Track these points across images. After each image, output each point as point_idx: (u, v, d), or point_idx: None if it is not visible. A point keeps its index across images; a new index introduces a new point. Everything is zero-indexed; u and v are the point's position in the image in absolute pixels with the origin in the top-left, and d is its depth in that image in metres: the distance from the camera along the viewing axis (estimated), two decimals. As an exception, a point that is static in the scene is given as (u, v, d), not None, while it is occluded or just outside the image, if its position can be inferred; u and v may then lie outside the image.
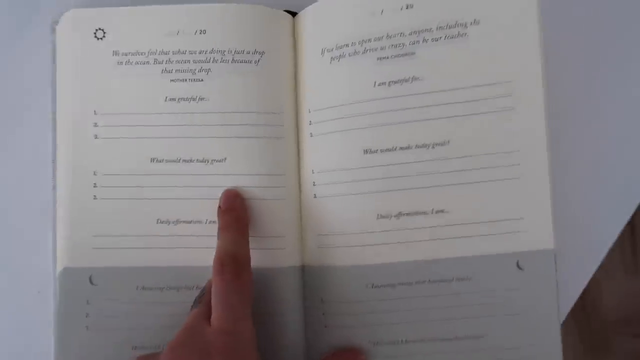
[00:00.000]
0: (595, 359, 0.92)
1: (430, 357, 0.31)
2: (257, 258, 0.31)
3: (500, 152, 0.30)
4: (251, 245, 0.31)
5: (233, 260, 0.28)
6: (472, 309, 0.30)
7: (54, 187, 0.33)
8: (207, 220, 0.32)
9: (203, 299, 0.29)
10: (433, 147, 0.30)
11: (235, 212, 0.31)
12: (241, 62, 0.32)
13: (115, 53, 0.33)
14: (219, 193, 0.32)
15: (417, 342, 0.31)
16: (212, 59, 0.32)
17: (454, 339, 0.30)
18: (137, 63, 0.33)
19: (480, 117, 0.30)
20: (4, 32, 0.36)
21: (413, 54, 0.30)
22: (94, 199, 0.32)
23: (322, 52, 0.32)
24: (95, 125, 0.32)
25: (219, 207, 0.31)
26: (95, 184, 0.32)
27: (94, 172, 0.32)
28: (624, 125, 0.34)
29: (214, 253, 0.31)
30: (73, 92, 0.33)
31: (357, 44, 0.31)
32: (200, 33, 0.32)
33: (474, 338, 0.30)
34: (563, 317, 0.33)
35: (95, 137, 0.32)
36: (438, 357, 0.31)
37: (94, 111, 0.32)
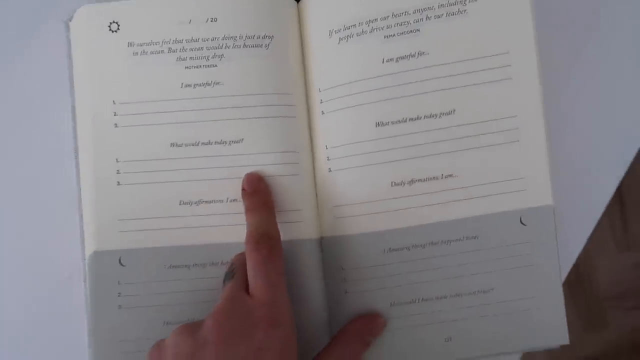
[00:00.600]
0: (593, 334, 0.95)
1: (444, 312, 0.33)
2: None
3: (500, 118, 0.32)
4: (271, 220, 0.32)
5: (266, 236, 0.30)
6: (482, 265, 0.33)
7: (78, 176, 0.34)
8: (227, 199, 0.33)
9: (236, 273, 0.30)
10: (440, 117, 0.32)
11: (261, 194, 0.32)
12: (252, 46, 0.34)
13: (130, 44, 0.34)
14: (237, 172, 0.33)
15: (432, 299, 0.33)
16: (224, 45, 0.34)
17: (465, 294, 0.33)
18: (152, 53, 0.34)
19: (481, 86, 0.32)
20: (19, 32, 0.37)
21: (418, 30, 0.32)
22: (118, 184, 0.33)
23: (330, 34, 0.34)
24: (115, 114, 0.33)
25: (243, 189, 0.33)
26: (118, 170, 0.33)
27: (117, 159, 0.33)
28: (614, 90, 0.37)
29: (235, 230, 0.33)
30: (91, 84, 0.34)
31: (364, 24, 0.33)
32: (211, 21, 0.34)
33: (484, 292, 0.33)
34: (565, 273, 0.36)
35: (116, 125, 0.33)
36: (451, 312, 0.33)
37: (113, 101, 0.33)
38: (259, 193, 0.32)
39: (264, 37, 0.34)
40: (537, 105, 0.32)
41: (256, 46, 0.34)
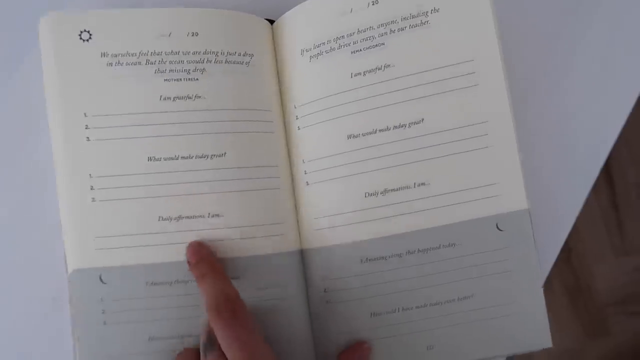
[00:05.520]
0: (594, 341, 0.94)
1: (424, 321, 0.33)
2: (260, 245, 0.33)
3: (469, 125, 0.33)
4: (253, 233, 0.33)
5: (225, 299, 0.29)
6: (460, 272, 0.33)
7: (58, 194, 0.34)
8: (209, 214, 0.33)
9: (215, 342, 0.29)
10: (409, 126, 0.33)
11: (207, 261, 0.32)
12: (234, 63, 0.34)
13: (104, 54, 0.33)
14: (219, 187, 0.33)
15: (412, 309, 0.33)
16: (206, 60, 0.34)
17: (444, 302, 0.33)
18: (127, 64, 0.33)
19: (448, 94, 0.33)
20: (6, 58, 0.38)
21: (383, 44, 0.33)
22: (93, 201, 0.33)
23: (302, 53, 0.35)
24: (87, 127, 0.33)
25: (188, 262, 0.32)
26: (92, 186, 0.33)
27: (90, 175, 0.33)
28: (581, 93, 0.38)
29: (218, 246, 0.33)
30: (60, 95, 0.33)
31: (332, 41, 0.34)
32: (192, 35, 0.34)
33: (464, 299, 0.33)
34: (545, 275, 0.36)
35: (87, 139, 0.33)
36: (432, 320, 0.33)
37: (84, 113, 0.33)
38: (203, 260, 0.32)
39: (245, 54, 0.35)
40: (505, 110, 0.33)
41: (237, 62, 0.34)
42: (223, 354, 0.28)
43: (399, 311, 0.33)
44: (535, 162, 0.35)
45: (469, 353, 0.33)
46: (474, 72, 0.33)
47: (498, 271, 0.33)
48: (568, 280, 0.94)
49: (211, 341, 0.30)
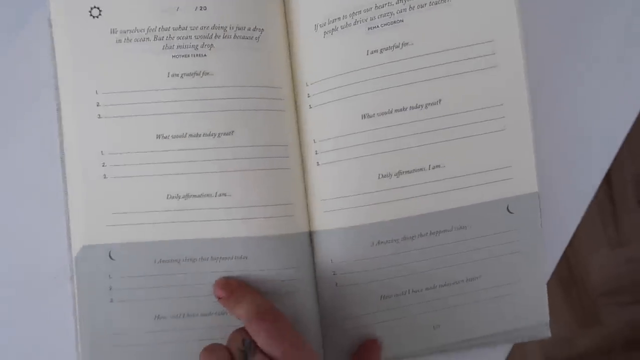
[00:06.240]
0: (587, 331, 0.96)
1: (432, 302, 0.33)
2: (267, 226, 0.33)
3: (486, 107, 0.32)
4: (260, 213, 0.32)
5: (262, 307, 0.30)
6: (470, 254, 0.33)
7: (64, 171, 0.33)
8: (216, 193, 0.33)
9: (255, 348, 0.29)
10: (426, 107, 0.32)
11: (238, 290, 0.32)
12: (243, 38, 0.33)
13: (113, 31, 0.33)
14: (227, 166, 0.33)
15: (422, 290, 0.33)
16: (214, 35, 0.33)
17: (453, 283, 0.33)
18: (136, 40, 0.33)
19: (467, 75, 0.32)
20: (3, 29, 0.37)
21: (401, 21, 0.32)
22: (104, 178, 0.32)
23: (316, 28, 0.34)
24: (98, 105, 0.33)
25: (219, 298, 0.32)
26: (103, 163, 0.32)
27: (101, 152, 0.33)
28: (599, 80, 0.37)
29: (225, 225, 0.32)
30: (73, 73, 0.33)
31: (347, 16, 0.33)
32: (200, 9, 0.33)
33: (472, 280, 0.33)
34: (556, 261, 0.36)
35: (99, 116, 0.33)
36: (439, 301, 0.33)
37: (96, 91, 0.33)
38: (235, 291, 0.32)
39: (255, 29, 0.33)
40: (522, 93, 0.32)
41: (247, 38, 0.33)
42: (266, 356, 0.29)
43: (408, 293, 0.33)
44: (546, 150, 0.35)
45: (472, 331, 0.34)
46: (493, 53, 0.32)
47: (506, 252, 0.33)
48: (562, 271, 0.95)
49: (250, 346, 0.30)
